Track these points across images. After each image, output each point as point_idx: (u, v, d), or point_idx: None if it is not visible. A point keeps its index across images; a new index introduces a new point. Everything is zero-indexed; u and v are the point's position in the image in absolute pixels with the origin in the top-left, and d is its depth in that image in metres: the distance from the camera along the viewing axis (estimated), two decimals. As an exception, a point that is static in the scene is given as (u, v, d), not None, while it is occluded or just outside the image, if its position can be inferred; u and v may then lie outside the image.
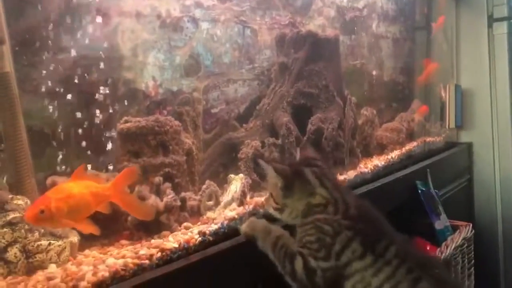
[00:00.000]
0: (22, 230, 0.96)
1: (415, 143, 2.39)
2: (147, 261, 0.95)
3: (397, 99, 2.80)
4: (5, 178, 1.07)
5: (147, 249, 1.00)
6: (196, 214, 1.24)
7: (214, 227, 1.13)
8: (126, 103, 1.40)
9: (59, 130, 1.24)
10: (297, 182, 1.04)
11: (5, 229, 0.93)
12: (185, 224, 1.17)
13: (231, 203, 1.29)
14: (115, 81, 1.37)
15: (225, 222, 1.15)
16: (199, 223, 1.20)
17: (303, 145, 1.62)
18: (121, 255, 0.98)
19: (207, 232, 1.10)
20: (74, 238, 1.02)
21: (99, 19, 1.31)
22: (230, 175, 1.38)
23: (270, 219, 1.08)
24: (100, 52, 1.31)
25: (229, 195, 1.31)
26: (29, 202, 1.01)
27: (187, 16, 1.58)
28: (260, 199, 1.32)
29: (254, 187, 1.46)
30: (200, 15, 1.62)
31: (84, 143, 1.27)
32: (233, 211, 1.25)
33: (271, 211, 1.07)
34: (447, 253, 1.64)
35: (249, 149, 1.53)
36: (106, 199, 1.05)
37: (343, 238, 0.95)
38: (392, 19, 2.77)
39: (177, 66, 1.56)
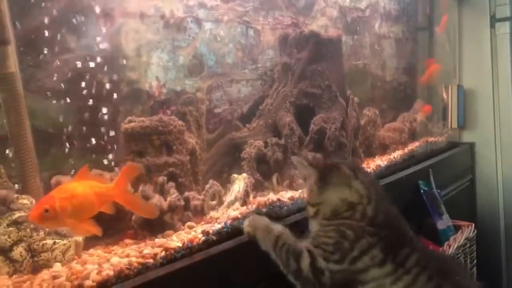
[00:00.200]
0: (28, 229, 0.97)
1: (417, 143, 2.38)
2: (151, 260, 0.96)
3: (399, 99, 2.80)
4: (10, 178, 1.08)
5: (151, 248, 1.00)
6: (199, 213, 1.25)
7: (217, 226, 1.13)
8: (130, 103, 1.40)
9: (64, 130, 1.24)
10: (332, 173, 1.02)
11: (10, 228, 0.95)
12: (188, 223, 1.18)
13: (234, 203, 1.30)
14: (119, 81, 1.37)
15: (228, 222, 1.16)
16: (202, 222, 1.21)
17: (306, 145, 1.63)
18: (126, 254, 0.98)
19: (211, 231, 1.10)
20: (79, 237, 1.03)
21: (103, 20, 1.31)
22: (233, 174, 1.38)
23: (272, 216, 1.08)
24: (104, 53, 1.32)
25: (232, 194, 1.32)
26: (34, 201, 1.02)
27: (191, 17, 1.58)
28: (263, 198, 1.32)
29: (257, 186, 1.47)
30: (203, 16, 1.62)
31: (88, 143, 1.28)
32: (236, 211, 1.25)
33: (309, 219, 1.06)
34: (449, 253, 1.65)
35: (252, 149, 1.54)
36: (110, 198, 1.05)
37: (364, 244, 0.94)
38: (394, 19, 2.77)
39: (181, 66, 1.57)
